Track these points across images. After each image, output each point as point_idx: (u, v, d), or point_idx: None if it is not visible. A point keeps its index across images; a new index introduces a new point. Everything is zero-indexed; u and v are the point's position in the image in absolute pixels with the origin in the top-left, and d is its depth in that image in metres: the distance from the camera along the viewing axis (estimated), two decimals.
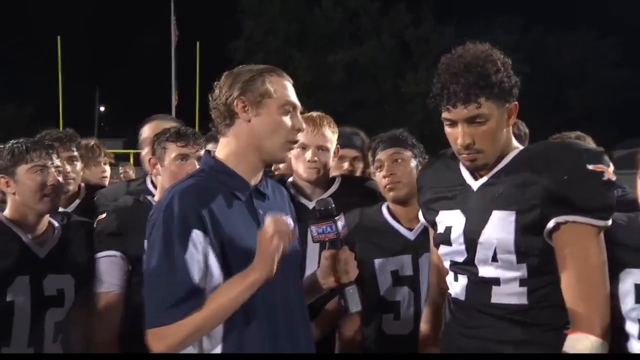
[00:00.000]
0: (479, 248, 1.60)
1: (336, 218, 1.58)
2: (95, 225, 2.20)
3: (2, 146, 2.07)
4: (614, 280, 1.53)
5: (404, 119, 25.37)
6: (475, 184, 1.68)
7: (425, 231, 2.01)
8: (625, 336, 1.54)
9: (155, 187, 2.52)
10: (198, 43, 19.68)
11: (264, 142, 1.56)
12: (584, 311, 1.48)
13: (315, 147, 2.27)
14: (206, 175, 1.57)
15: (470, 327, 1.66)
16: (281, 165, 2.87)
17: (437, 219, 1.76)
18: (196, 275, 1.42)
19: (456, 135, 1.61)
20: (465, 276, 1.67)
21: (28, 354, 1.92)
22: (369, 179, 2.53)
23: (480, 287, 1.63)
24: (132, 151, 16.72)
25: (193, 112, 16.58)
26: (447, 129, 1.64)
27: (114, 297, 2.05)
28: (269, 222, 1.44)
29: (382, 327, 2.12)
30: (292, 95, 1.61)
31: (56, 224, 2.12)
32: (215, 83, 1.62)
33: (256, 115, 1.55)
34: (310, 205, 2.27)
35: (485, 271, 1.61)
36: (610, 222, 1.52)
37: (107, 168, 3.36)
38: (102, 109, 36.92)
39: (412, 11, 29.89)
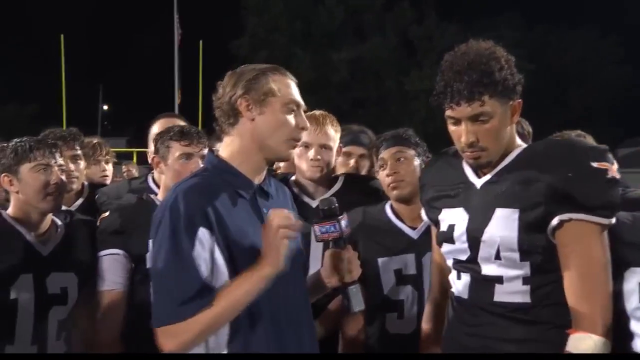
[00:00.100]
0: (482, 246, 1.60)
1: (339, 217, 1.58)
2: (98, 224, 2.21)
3: (5, 145, 2.08)
4: (619, 279, 1.52)
5: (407, 116, 25.35)
6: (478, 182, 1.67)
7: (428, 230, 2.00)
8: (630, 335, 1.53)
9: (157, 185, 2.52)
10: (201, 41, 19.73)
11: (268, 140, 1.56)
12: (586, 310, 1.47)
13: (318, 145, 2.27)
14: (210, 174, 1.56)
15: (473, 325, 1.65)
16: (282, 165, 2.88)
17: (440, 217, 1.75)
18: (205, 273, 1.42)
19: (460, 133, 1.60)
20: (468, 274, 1.67)
21: (28, 354, 1.93)
22: (373, 177, 2.53)
23: (483, 285, 1.63)
24: (135, 150, 16.76)
25: (196, 110, 16.65)
26: (451, 127, 1.64)
27: (117, 295, 2.05)
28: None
29: (386, 326, 2.12)
30: (296, 94, 1.61)
31: (59, 222, 2.13)
32: (218, 82, 1.62)
33: (260, 114, 1.55)
34: (314, 203, 2.26)
35: (488, 269, 1.61)
36: (614, 220, 1.51)
37: (110, 167, 3.35)
38: (105, 107, 36.97)
39: (416, 8, 29.78)
